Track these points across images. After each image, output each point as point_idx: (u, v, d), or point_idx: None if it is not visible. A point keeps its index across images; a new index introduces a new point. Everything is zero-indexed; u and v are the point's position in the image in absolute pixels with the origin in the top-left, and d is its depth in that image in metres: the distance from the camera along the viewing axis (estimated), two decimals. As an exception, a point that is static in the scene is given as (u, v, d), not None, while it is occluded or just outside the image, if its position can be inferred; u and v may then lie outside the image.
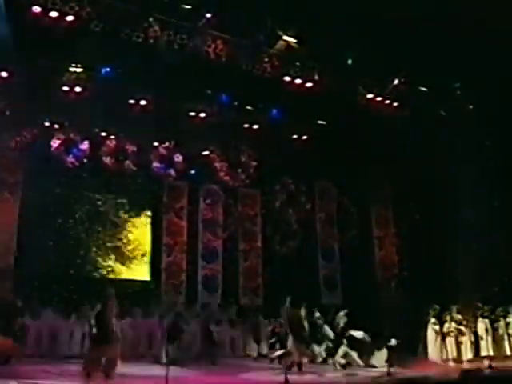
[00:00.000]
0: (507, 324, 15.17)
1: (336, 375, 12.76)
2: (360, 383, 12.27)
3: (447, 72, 16.05)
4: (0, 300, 15.52)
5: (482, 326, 14.75)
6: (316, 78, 15.99)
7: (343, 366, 13.64)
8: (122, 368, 10.95)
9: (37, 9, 12.57)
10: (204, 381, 12.27)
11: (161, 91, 15.95)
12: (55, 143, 17.23)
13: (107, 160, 17.97)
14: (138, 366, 13.19)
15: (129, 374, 11.55)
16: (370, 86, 16.86)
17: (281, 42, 14.93)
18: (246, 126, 18.46)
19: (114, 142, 18.02)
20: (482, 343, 14.51)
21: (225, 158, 19.59)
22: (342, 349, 14.20)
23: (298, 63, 15.62)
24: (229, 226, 20.53)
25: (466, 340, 14.49)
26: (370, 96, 16.87)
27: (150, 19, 13.55)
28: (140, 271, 19.77)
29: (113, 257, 19.27)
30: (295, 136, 19.35)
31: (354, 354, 14.17)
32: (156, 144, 18.78)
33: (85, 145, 17.62)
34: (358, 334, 14.42)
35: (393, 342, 13.91)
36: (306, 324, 14.14)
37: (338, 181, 21.61)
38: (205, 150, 19.45)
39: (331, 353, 14.64)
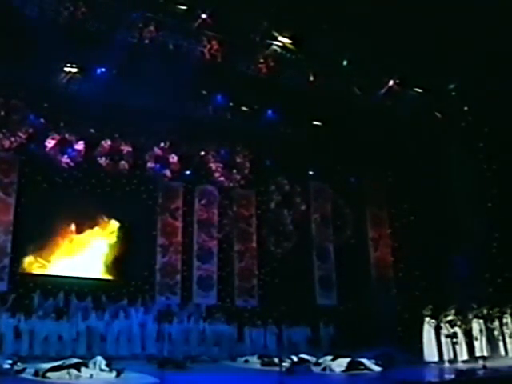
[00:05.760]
0: (503, 325, 15.19)
1: (332, 377, 12.73)
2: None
3: (442, 73, 16.12)
4: None
5: (476, 326, 14.76)
6: (311, 79, 16.05)
7: None
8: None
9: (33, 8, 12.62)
10: (202, 381, 12.23)
11: (156, 91, 15.94)
12: (50, 143, 17.21)
13: (102, 160, 17.96)
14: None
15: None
16: (365, 87, 16.92)
17: (276, 43, 14.98)
18: (242, 126, 18.49)
19: (109, 143, 18.00)
20: (477, 344, 14.53)
21: (220, 159, 19.61)
22: None
23: (293, 64, 15.68)
24: (224, 227, 20.46)
25: (461, 341, 14.50)
26: (365, 97, 16.93)
27: (146, 19, 13.62)
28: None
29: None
30: (290, 137, 19.38)
31: None
32: (151, 144, 18.79)
33: (80, 145, 17.60)
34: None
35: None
36: None
37: (333, 182, 21.61)
38: (200, 151, 19.47)
39: None
